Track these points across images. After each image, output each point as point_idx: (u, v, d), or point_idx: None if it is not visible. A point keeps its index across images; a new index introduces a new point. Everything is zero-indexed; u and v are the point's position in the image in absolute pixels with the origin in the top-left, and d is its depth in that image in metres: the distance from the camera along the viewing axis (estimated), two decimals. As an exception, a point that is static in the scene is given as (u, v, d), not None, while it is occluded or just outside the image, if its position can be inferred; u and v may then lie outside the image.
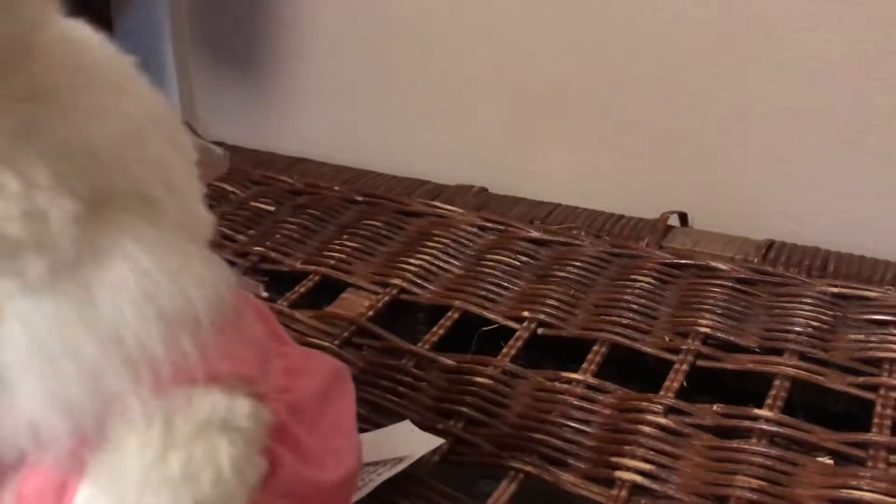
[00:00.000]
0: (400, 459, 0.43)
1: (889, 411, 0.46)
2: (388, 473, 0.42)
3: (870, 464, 0.43)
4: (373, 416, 0.48)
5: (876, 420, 0.45)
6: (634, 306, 0.56)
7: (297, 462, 0.30)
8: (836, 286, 0.56)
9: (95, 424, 0.22)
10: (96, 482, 0.23)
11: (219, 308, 0.25)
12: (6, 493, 0.24)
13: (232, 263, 0.63)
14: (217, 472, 0.23)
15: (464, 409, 0.48)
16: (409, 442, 0.45)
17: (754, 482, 0.42)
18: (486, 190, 0.72)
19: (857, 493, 0.41)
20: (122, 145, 0.24)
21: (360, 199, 0.71)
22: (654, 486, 0.43)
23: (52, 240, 0.22)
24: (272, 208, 0.71)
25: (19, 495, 0.23)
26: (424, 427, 0.47)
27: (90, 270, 0.22)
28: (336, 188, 0.73)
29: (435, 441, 0.45)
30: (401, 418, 0.48)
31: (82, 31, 0.26)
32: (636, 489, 0.43)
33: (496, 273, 0.61)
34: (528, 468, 0.44)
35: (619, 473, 0.44)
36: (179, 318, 0.23)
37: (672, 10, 0.66)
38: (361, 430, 0.46)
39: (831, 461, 0.44)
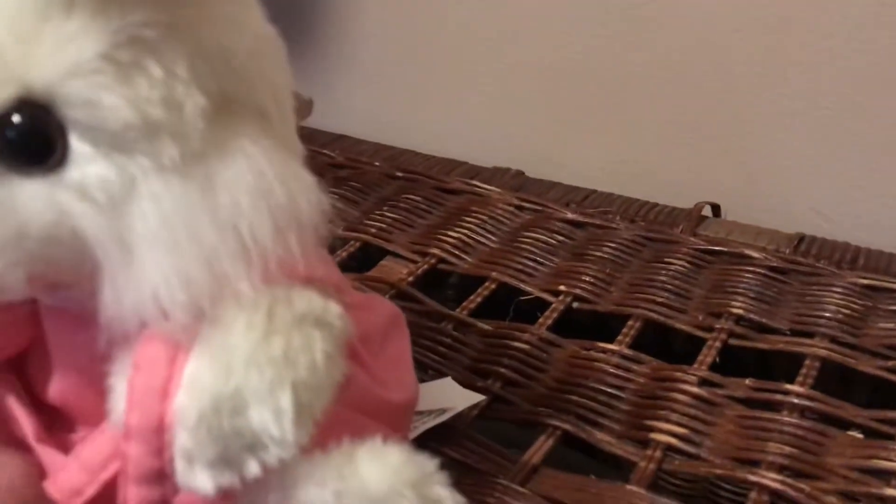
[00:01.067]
0: (443, 411, 0.45)
1: (918, 393, 0.47)
2: (431, 423, 0.44)
3: (899, 438, 0.44)
4: (415, 372, 0.49)
5: (905, 400, 0.47)
6: (669, 286, 0.58)
7: (368, 380, 0.31)
8: (866, 278, 0.57)
9: (209, 302, 0.24)
10: (205, 354, 0.24)
11: (320, 216, 0.26)
12: (126, 359, 0.25)
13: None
14: (312, 360, 0.25)
15: (502, 370, 0.50)
16: (451, 396, 0.47)
17: (787, 449, 0.43)
18: (523, 173, 0.74)
19: (886, 464, 0.42)
20: (249, 57, 0.26)
21: (399, 174, 0.73)
22: (689, 448, 0.44)
23: (185, 128, 0.24)
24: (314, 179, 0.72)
25: (135, 363, 0.25)
26: (464, 385, 0.49)
27: (213, 163, 0.24)
28: (377, 164, 0.75)
29: (476, 397, 0.47)
30: (441, 375, 0.49)
31: None
32: (670, 450, 0.44)
33: (532, 249, 0.63)
34: (565, 426, 0.46)
35: (653, 435, 0.45)
36: (288, 216, 0.25)
37: (713, 4, 0.68)
38: None
39: (861, 436, 0.45)
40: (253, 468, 0.24)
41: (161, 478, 0.25)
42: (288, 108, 0.29)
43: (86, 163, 0.23)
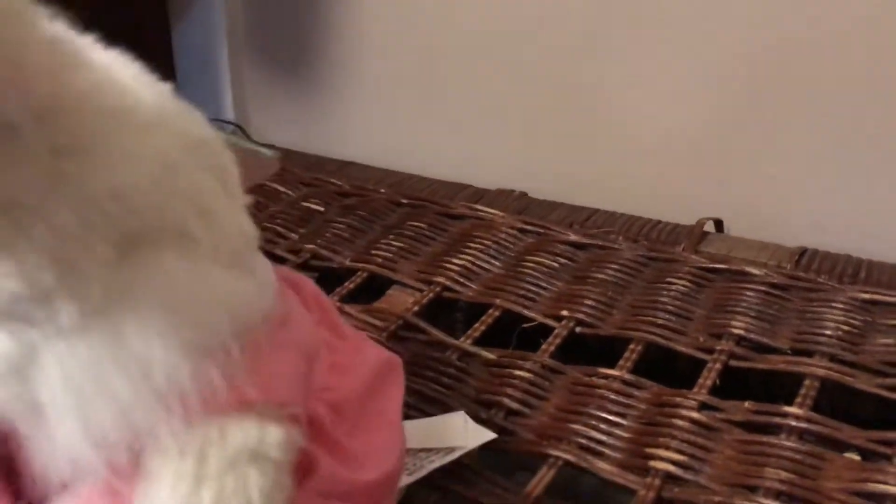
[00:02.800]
0: (452, 449, 0.45)
1: (916, 412, 0.48)
2: (439, 462, 0.44)
3: (896, 460, 0.44)
4: (419, 404, 0.51)
5: (903, 420, 0.47)
6: (670, 308, 0.59)
7: (335, 462, 0.31)
8: (866, 292, 0.58)
9: (129, 456, 0.24)
10: None
11: (252, 330, 0.26)
12: None
13: (283, 260, 0.67)
14: (246, 502, 0.25)
15: (505, 400, 0.51)
16: (461, 433, 0.47)
17: (783, 475, 0.44)
18: (527, 194, 0.75)
19: (882, 487, 0.42)
20: (153, 184, 0.25)
21: (404, 201, 0.74)
22: (687, 475, 0.45)
23: (83, 286, 0.23)
24: (322, 209, 0.74)
25: None
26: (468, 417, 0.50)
27: (121, 311, 0.24)
28: (382, 191, 0.76)
29: (487, 434, 0.47)
30: (445, 408, 0.51)
31: (116, 68, 0.26)
32: (669, 478, 0.45)
33: (535, 274, 0.64)
34: (567, 456, 0.47)
35: (652, 463, 0.46)
36: (207, 349, 0.24)
37: (710, 24, 0.68)
38: (412, 418, 0.49)
39: (859, 457, 0.46)
40: None
41: None
42: (220, 204, 0.27)
43: None
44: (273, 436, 0.26)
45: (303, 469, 0.29)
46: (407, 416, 0.48)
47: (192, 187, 0.26)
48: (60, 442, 0.23)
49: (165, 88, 0.27)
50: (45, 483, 0.24)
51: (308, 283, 0.40)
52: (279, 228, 0.71)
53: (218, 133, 0.29)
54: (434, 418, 0.49)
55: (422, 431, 0.46)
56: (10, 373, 0.23)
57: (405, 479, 0.42)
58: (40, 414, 0.23)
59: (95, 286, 0.23)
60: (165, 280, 0.24)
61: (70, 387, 0.23)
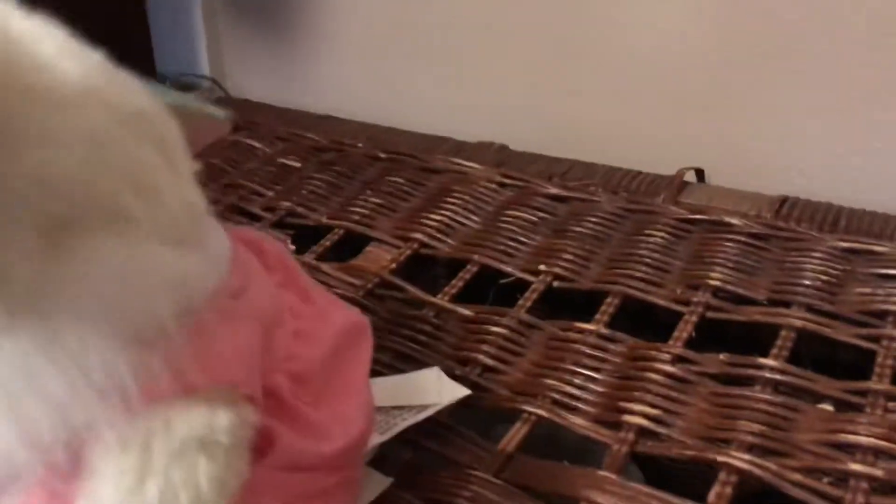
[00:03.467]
0: (425, 407, 0.45)
1: (890, 361, 0.47)
2: (412, 419, 0.44)
3: (868, 410, 0.44)
4: (395, 362, 0.51)
5: (877, 369, 0.47)
6: (648, 260, 0.58)
7: (297, 435, 0.31)
8: (846, 241, 0.57)
9: (69, 455, 0.23)
10: None
11: (199, 309, 0.25)
12: None
13: (259, 218, 0.66)
14: (196, 491, 0.24)
15: (480, 357, 0.51)
16: (435, 389, 0.47)
17: (756, 427, 0.44)
18: (507, 147, 0.74)
19: (853, 438, 0.42)
20: (80, 164, 0.23)
21: (383, 156, 0.73)
22: (660, 429, 0.45)
23: (6, 282, 0.21)
24: (298, 164, 0.73)
25: None
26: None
27: (50, 305, 0.22)
28: (360, 145, 0.75)
29: (461, 391, 0.46)
30: (421, 365, 0.50)
31: (33, 40, 0.24)
32: (642, 432, 0.45)
33: (514, 228, 0.63)
34: (541, 411, 0.47)
35: (626, 418, 0.46)
36: (147, 337, 0.23)
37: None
38: (386, 375, 0.48)
39: (832, 408, 0.46)
40: None
41: None
42: (161, 176, 0.26)
43: None
44: (222, 420, 0.26)
45: (261, 446, 0.29)
46: (380, 375, 0.48)
47: (127, 164, 0.25)
48: None
49: (97, 58, 0.25)
50: None
51: (272, 243, 0.39)
52: (255, 186, 0.70)
53: (159, 101, 0.27)
54: (407, 375, 0.48)
55: (394, 389, 0.46)
56: None
57: (377, 438, 0.42)
58: None
59: (20, 281, 0.21)
60: (99, 267, 0.23)
61: (0, 388, 0.22)
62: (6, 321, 0.22)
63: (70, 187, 0.23)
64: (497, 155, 0.72)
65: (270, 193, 0.69)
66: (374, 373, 0.39)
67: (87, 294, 0.23)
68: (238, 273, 0.33)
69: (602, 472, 0.42)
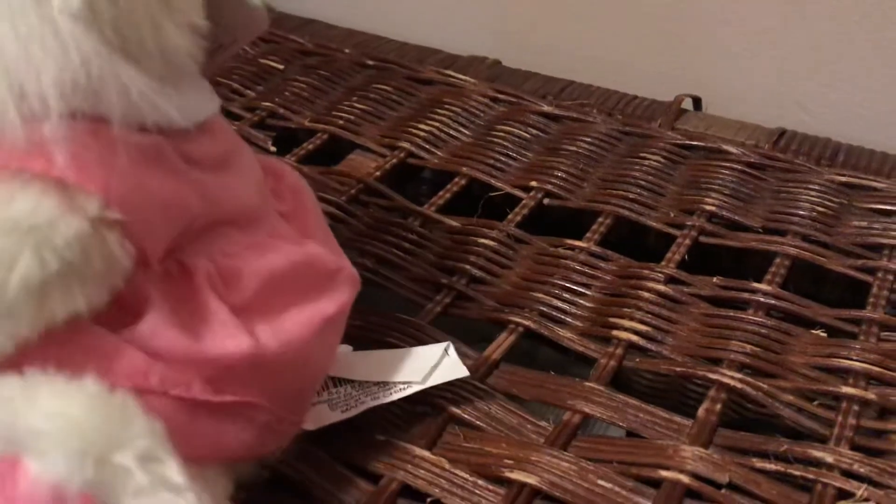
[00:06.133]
0: (407, 385, 0.38)
1: (885, 292, 0.47)
2: (384, 399, 0.38)
3: (861, 337, 0.44)
4: (379, 268, 0.49)
5: (871, 299, 0.46)
6: (642, 182, 0.56)
7: (179, 322, 0.27)
8: (843, 175, 0.56)
9: None
10: None
11: (87, 95, 0.23)
12: None
13: (238, 118, 0.63)
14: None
15: (467, 267, 0.49)
16: (429, 367, 0.39)
17: (748, 347, 0.43)
18: (500, 62, 0.71)
19: (846, 363, 0.42)
20: None
21: (370, 63, 0.70)
22: (650, 346, 0.44)
23: None
24: (281, 66, 0.69)
25: None
26: (427, 282, 0.48)
27: None
28: (346, 51, 0.72)
29: (460, 371, 0.39)
30: (406, 272, 0.48)
31: None
32: (631, 348, 0.44)
33: (506, 144, 0.61)
34: (527, 322, 0.45)
35: (615, 332, 0.44)
36: (15, 92, 0.21)
37: None
38: (369, 285, 0.45)
39: (825, 334, 0.45)
40: None
41: None
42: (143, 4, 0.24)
43: None
44: (68, 224, 0.23)
45: (124, 305, 0.26)
46: (368, 281, 0.45)
47: None
48: None
49: None
50: None
51: (293, 175, 0.36)
52: (234, 85, 0.66)
53: None
54: (418, 348, 0.41)
55: (383, 362, 0.40)
56: None
57: (336, 416, 0.36)
58: None
59: None
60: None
61: None
62: None
63: None
64: (490, 70, 0.70)
65: (251, 94, 0.66)
66: (364, 281, 0.36)
67: None
68: (219, 146, 0.31)
69: (589, 383, 0.41)
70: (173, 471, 0.23)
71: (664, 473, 0.36)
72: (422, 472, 0.36)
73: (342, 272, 0.33)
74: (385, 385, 0.38)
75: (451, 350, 0.40)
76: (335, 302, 0.32)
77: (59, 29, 0.22)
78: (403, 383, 0.38)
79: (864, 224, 0.52)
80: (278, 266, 0.31)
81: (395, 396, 0.38)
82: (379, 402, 0.37)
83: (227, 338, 0.28)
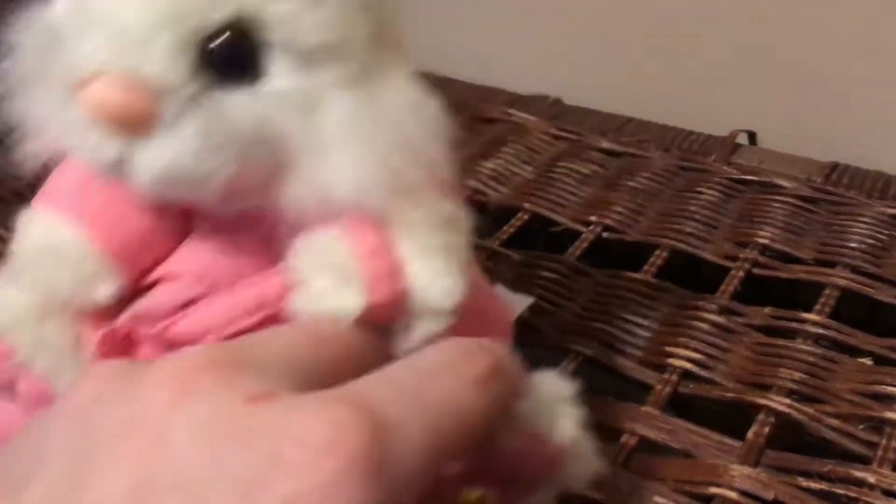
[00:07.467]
0: None
1: (932, 322, 0.49)
2: None
3: (908, 365, 0.46)
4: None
5: (919, 329, 0.49)
6: (697, 216, 0.60)
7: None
8: (894, 207, 0.58)
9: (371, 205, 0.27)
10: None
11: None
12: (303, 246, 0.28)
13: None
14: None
15: (531, 299, 0.53)
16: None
17: (797, 375, 0.46)
18: (561, 100, 0.75)
19: (891, 389, 0.44)
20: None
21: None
22: (703, 373, 0.47)
23: (354, 51, 0.27)
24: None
25: (360, 252, 0.28)
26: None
27: (374, 84, 0.28)
28: (417, 93, 0.77)
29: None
30: (473, 302, 0.53)
31: None
32: (686, 375, 0.47)
33: (566, 180, 0.65)
34: (588, 351, 0.49)
35: (671, 361, 0.48)
36: (435, 134, 0.29)
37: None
38: None
39: (871, 363, 0.47)
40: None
41: None
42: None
43: (282, 77, 0.27)
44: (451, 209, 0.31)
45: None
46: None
47: (396, 14, 0.31)
48: (334, 176, 0.27)
49: None
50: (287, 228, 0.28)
51: (502, 317, 0.38)
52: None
53: None
54: None
55: None
56: (303, 110, 0.27)
57: None
58: (321, 149, 0.27)
59: (361, 56, 0.28)
60: (397, 72, 0.29)
61: (347, 126, 0.27)
62: (351, 82, 0.27)
63: (386, 9, 0.30)
64: (551, 108, 0.74)
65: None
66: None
67: (394, 87, 0.29)
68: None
69: (645, 408, 0.45)
70: None
71: (714, 490, 0.39)
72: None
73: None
74: None
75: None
76: None
77: None
78: None
79: (913, 255, 0.54)
80: None
81: None
82: None
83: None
